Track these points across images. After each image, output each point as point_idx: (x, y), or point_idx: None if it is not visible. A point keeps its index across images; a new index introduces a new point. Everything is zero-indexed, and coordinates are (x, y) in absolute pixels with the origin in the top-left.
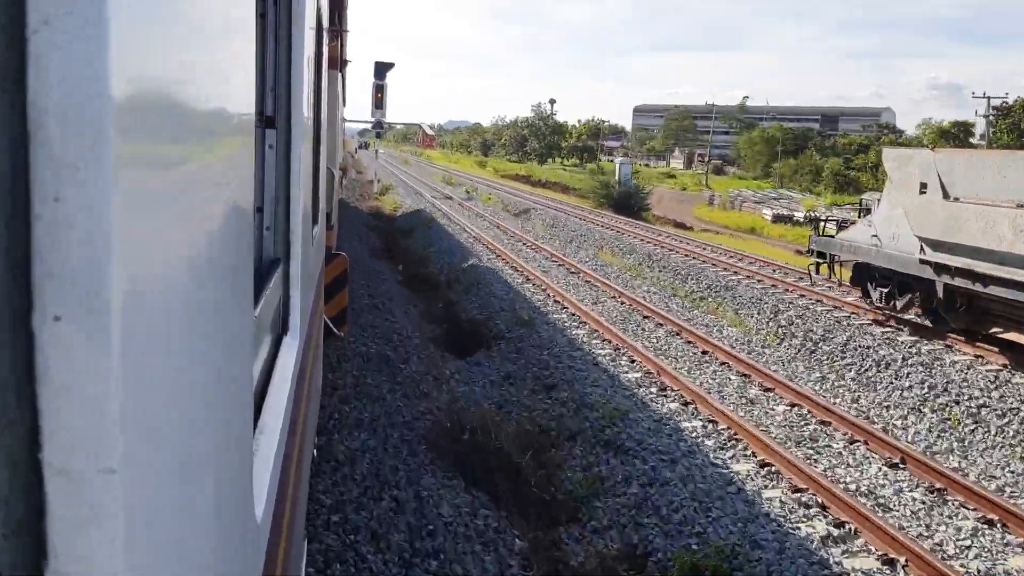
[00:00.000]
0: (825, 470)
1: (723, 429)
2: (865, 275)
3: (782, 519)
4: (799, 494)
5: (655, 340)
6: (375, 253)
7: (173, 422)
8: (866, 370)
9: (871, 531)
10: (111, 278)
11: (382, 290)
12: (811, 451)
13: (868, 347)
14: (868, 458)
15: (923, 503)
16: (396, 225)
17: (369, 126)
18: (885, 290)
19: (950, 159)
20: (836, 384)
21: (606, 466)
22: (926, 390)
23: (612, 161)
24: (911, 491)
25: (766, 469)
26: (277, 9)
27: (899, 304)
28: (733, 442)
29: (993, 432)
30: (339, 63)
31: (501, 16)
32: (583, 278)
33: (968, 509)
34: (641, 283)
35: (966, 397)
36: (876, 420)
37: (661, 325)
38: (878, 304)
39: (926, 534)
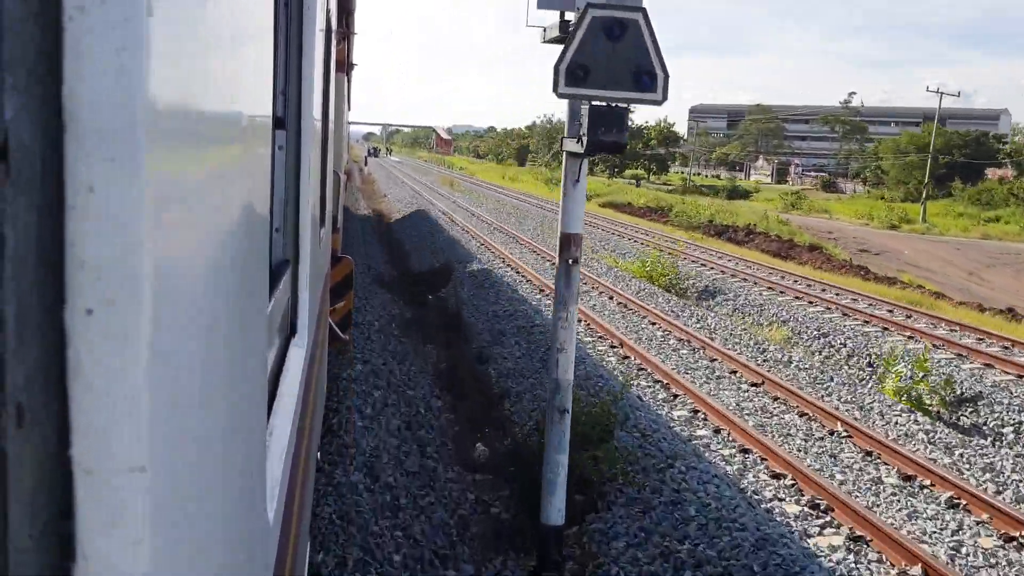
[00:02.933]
0: None
1: None
2: None
3: None
4: None
5: None
6: None
7: (195, 421)
8: None
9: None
10: (143, 272)
11: None
12: None
13: None
14: None
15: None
16: None
17: (377, 129)
18: None
19: None
20: None
21: None
22: None
23: (681, 173)
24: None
25: None
26: (288, 11)
27: None
28: None
29: None
30: (346, 66)
31: (505, 18)
32: None
33: None
34: None
35: None
36: None
37: None
38: None
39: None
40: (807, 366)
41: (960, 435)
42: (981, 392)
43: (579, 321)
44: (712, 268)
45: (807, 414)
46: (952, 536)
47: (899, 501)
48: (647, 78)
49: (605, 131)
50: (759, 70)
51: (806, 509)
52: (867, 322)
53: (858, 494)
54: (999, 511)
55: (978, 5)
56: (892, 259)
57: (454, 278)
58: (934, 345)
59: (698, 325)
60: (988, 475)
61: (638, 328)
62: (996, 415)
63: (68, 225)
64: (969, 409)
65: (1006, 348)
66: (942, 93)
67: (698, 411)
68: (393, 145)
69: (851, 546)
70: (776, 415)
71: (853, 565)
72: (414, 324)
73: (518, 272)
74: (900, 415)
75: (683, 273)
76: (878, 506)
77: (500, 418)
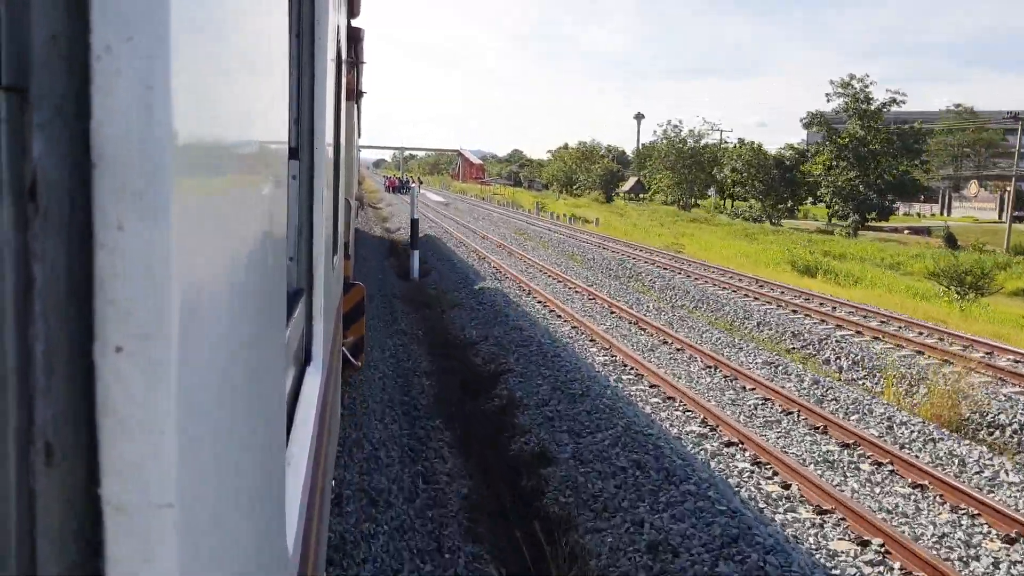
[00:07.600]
0: None
1: None
2: None
3: None
4: None
5: None
6: None
7: (219, 454)
8: None
9: None
10: (172, 309)
11: None
12: None
13: None
14: None
15: None
16: None
17: (388, 155)
18: None
19: None
20: None
21: None
22: None
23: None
24: None
25: None
26: (300, 42)
27: None
28: None
29: None
30: (356, 94)
31: (518, 39)
32: None
33: None
34: None
35: None
36: None
37: None
38: None
39: None
40: None
41: None
42: None
43: None
44: None
45: None
46: None
47: None
48: None
49: None
50: (771, 94)
51: None
52: None
53: None
54: None
55: (979, 23)
56: None
57: None
58: None
59: None
60: None
61: None
62: None
63: (97, 262)
64: None
65: None
66: None
67: None
68: (409, 173)
69: None
70: None
71: None
72: None
73: None
74: None
75: None
76: None
77: None
